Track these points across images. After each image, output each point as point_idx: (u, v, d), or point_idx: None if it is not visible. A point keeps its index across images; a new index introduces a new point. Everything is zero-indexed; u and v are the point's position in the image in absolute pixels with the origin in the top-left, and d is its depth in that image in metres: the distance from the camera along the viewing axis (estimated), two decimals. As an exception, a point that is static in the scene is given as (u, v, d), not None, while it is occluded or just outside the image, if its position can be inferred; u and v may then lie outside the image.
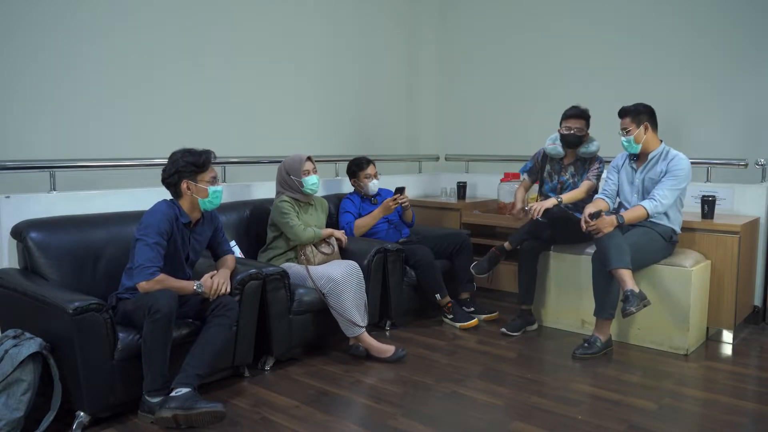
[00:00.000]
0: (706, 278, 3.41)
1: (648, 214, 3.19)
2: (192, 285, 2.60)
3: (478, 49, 5.39)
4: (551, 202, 3.46)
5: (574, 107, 3.66)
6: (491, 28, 5.30)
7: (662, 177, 3.23)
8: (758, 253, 3.76)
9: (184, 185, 2.64)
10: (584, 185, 3.60)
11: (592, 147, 3.64)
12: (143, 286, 2.47)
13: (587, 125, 3.66)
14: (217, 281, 2.65)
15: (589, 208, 3.22)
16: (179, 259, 2.68)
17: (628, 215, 3.20)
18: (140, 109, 3.61)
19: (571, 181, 3.70)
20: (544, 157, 3.81)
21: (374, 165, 3.93)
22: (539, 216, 3.41)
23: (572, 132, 3.61)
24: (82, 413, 2.38)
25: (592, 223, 3.14)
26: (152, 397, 2.41)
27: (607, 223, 3.14)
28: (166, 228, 2.56)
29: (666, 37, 4.35)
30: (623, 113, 3.30)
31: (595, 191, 3.62)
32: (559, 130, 3.68)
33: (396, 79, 5.44)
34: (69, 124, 3.33)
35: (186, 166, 2.63)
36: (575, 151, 3.68)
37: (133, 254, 2.57)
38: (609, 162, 3.61)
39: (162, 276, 2.50)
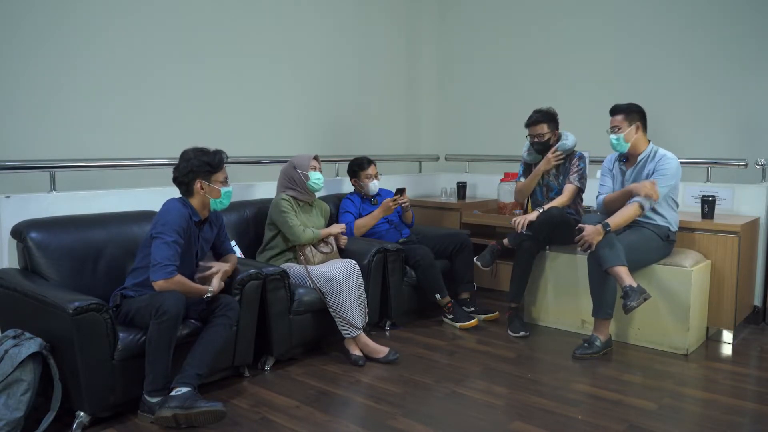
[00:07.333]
0: (706, 278, 3.41)
1: (641, 207, 3.15)
2: (205, 291, 2.61)
3: (478, 49, 5.40)
4: (535, 214, 3.43)
5: (533, 113, 3.62)
6: (491, 27, 5.30)
7: (651, 177, 3.22)
8: (758, 253, 3.76)
9: (197, 185, 2.65)
10: (567, 190, 3.55)
11: (568, 143, 3.58)
12: (161, 284, 2.46)
13: (554, 125, 3.61)
14: (221, 270, 2.73)
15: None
16: (191, 257, 2.68)
17: (614, 220, 3.15)
18: (140, 109, 3.61)
19: (555, 182, 3.66)
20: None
21: (375, 165, 3.93)
22: (524, 229, 3.42)
23: (536, 140, 3.61)
24: (82, 413, 2.38)
25: (579, 237, 3.13)
26: (152, 397, 2.41)
27: (594, 232, 3.09)
28: (183, 226, 2.57)
29: (666, 38, 4.35)
30: (615, 111, 3.28)
31: (579, 191, 3.60)
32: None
33: (396, 79, 5.44)
34: (69, 124, 3.33)
35: (201, 166, 2.64)
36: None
37: (143, 253, 2.59)
38: (594, 160, 3.59)
39: (180, 277, 2.50)
